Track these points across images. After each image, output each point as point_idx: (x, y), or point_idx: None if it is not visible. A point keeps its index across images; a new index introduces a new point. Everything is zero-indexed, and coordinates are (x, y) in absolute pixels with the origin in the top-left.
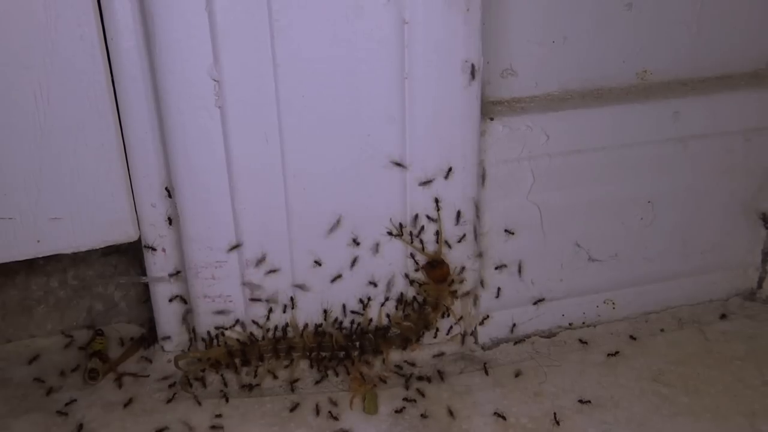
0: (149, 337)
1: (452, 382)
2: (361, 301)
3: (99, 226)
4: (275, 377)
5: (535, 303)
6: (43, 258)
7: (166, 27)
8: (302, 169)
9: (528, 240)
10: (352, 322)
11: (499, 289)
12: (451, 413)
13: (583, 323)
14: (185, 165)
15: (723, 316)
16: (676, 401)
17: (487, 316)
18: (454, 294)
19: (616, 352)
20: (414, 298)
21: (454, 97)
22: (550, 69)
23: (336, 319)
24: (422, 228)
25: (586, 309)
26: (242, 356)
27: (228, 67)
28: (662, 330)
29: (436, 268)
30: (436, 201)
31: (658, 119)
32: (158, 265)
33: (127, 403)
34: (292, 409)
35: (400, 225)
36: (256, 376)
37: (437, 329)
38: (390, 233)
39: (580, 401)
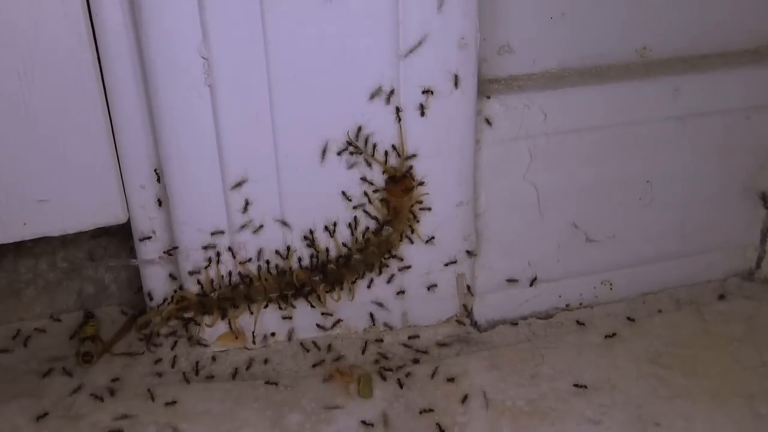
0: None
1: (449, 364)
2: (310, 234)
3: (87, 208)
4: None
5: (531, 284)
6: (32, 240)
7: (154, 3)
8: (293, 150)
9: (525, 220)
10: (311, 256)
11: (495, 269)
12: (447, 396)
13: (581, 304)
14: (174, 146)
15: (721, 297)
16: (674, 383)
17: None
18: (414, 213)
19: (614, 334)
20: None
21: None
22: (549, 46)
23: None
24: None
25: (584, 290)
26: (201, 308)
27: (217, 44)
28: (660, 311)
29: (398, 182)
30: (398, 110)
31: (658, 97)
32: (148, 246)
33: (118, 387)
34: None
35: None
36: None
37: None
38: (350, 144)
39: (577, 385)
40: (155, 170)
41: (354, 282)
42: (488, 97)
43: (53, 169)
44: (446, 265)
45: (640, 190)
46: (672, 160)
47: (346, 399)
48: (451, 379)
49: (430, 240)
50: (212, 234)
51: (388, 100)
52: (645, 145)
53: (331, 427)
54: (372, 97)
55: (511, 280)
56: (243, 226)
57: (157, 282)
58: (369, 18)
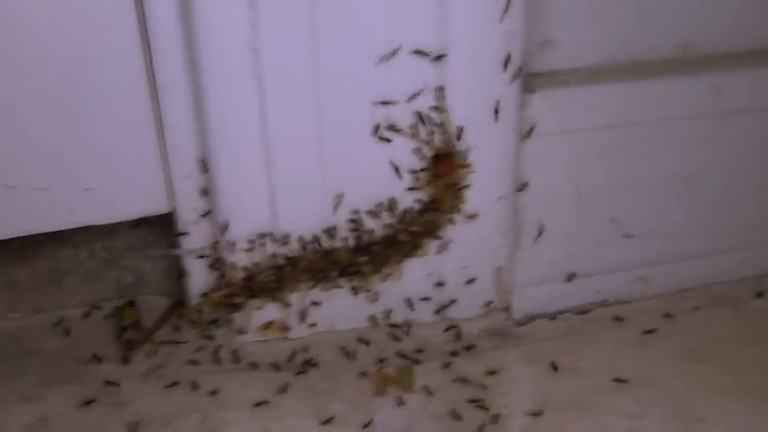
0: (182, 304)
1: (487, 358)
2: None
3: (132, 198)
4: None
5: (569, 279)
6: (72, 229)
7: None
8: (339, 137)
9: (564, 215)
10: (357, 237)
11: (533, 264)
12: (486, 389)
13: (617, 300)
14: (221, 137)
15: (759, 294)
16: (714, 380)
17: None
18: (459, 191)
19: (652, 330)
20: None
21: (495, 71)
22: (591, 41)
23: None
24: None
25: (621, 286)
26: (248, 292)
27: (266, 35)
28: (697, 307)
29: (445, 161)
30: (441, 89)
31: (699, 93)
32: (192, 237)
33: (160, 375)
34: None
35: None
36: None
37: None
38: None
39: (617, 379)
40: (202, 160)
41: (400, 262)
42: (532, 92)
43: (100, 159)
44: (486, 258)
45: (679, 186)
46: (711, 156)
47: (387, 389)
48: (492, 372)
49: (472, 218)
50: (257, 221)
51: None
52: (685, 141)
53: (373, 416)
54: (417, 91)
55: (549, 275)
56: (288, 212)
57: (199, 272)
58: (417, 12)
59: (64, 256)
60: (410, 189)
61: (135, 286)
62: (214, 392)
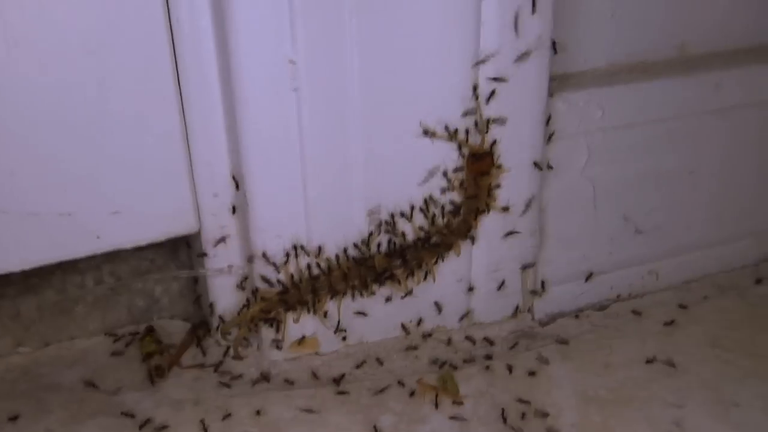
0: (201, 327)
1: (521, 359)
2: (391, 218)
3: (160, 219)
4: (325, 316)
5: (587, 278)
6: None
7: (242, 7)
8: (378, 147)
9: (581, 215)
10: (389, 241)
11: (554, 264)
12: (531, 389)
13: (630, 294)
14: (256, 151)
15: (758, 281)
16: (740, 365)
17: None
18: (492, 191)
19: (672, 321)
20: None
21: (529, 76)
22: (598, 44)
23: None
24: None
25: (633, 281)
26: (284, 305)
27: (306, 47)
28: (705, 297)
29: (479, 160)
30: (475, 88)
31: (702, 91)
32: (218, 256)
33: (196, 400)
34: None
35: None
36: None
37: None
38: (426, 133)
39: (652, 371)
40: (233, 176)
41: (435, 263)
42: (551, 95)
43: (127, 180)
44: (513, 261)
45: (684, 181)
46: (713, 151)
47: (432, 398)
48: (530, 373)
49: (503, 216)
50: (292, 234)
51: (473, 91)
52: (689, 137)
53: (425, 426)
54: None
55: (568, 274)
56: (323, 223)
57: (223, 292)
58: (454, 20)
59: (71, 283)
60: (444, 190)
61: (148, 311)
62: (257, 413)
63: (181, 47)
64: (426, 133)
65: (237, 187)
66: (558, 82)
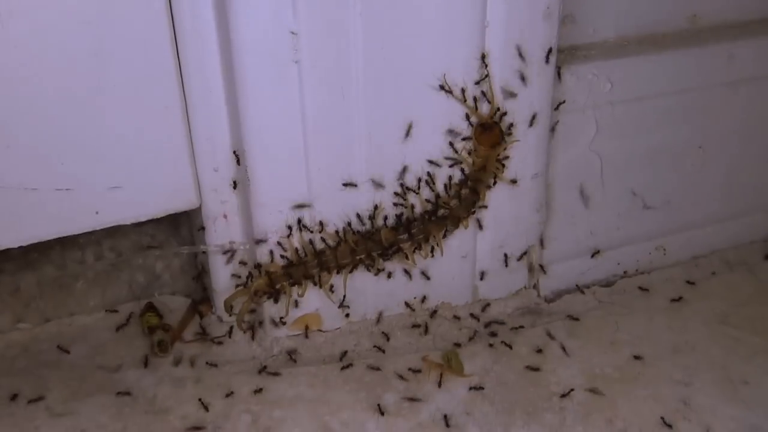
0: (203, 304)
1: (527, 336)
2: (400, 188)
3: (160, 194)
4: (331, 290)
5: (593, 255)
6: None
7: None
8: (380, 118)
9: (588, 190)
10: (397, 215)
11: (560, 240)
12: (535, 367)
13: (637, 270)
14: (257, 125)
15: (767, 257)
16: (749, 342)
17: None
18: (502, 163)
19: (680, 298)
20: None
21: (536, 38)
22: (607, 16)
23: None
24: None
25: (640, 256)
26: (289, 279)
27: (308, 18)
28: (714, 273)
29: (488, 130)
30: (483, 57)
31: (713, 63)
32: (219, 232)
33: (198, 377)
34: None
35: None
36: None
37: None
38: (443, 87)
39: (659, 349)
40: (234, 152)
41: (444, 236)
42: (558, 67)
43: (127, 154)
44: (520, 236)
45: (694, 155)
46: (723, 124)
47: (437, 375)
48: (536, 350)
49: (512, 188)
50: (295, 208)
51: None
52: (700, 110)
53: (429, 404)
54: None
55: (574, 250)
56: (327, 196)
57: (224, 268)
58: None
59: (71, 259)
60: (453, 161)
61: (148, 287)
62: (258, 391)
63: (179, 18)
64: (441, 88)
65: (238, 162)
66: (566, 55)
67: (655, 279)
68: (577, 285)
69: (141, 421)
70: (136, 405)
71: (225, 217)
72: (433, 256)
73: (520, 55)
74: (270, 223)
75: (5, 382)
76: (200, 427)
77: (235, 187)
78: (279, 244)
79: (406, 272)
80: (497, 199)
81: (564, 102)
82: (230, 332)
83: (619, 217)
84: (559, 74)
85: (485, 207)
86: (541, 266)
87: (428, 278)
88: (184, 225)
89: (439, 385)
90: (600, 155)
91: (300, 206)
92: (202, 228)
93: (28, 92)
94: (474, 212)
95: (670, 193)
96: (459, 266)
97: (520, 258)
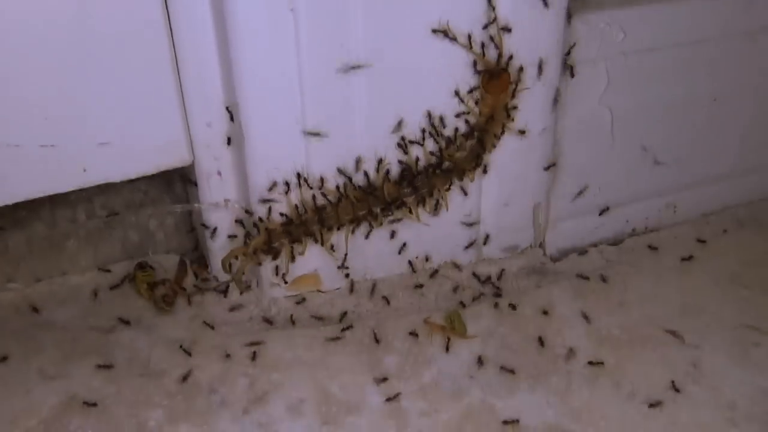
0: (197, 262)
1: (532, 296)
2: (402, 141)
3: (150, 151)
4: (332, 249)
5: (601, 212)
6: None
7: None
8: (381, 75)
9: (597, 145)
10: (402, 169)
11: (567, 197)
12: (541, 328)
13: (646, 228)
14: (251, 78)
15: None
16: (760, 303)
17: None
18: (509, 112)
19: (690, 257)
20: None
21: None
22: None
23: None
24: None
25: (649, 214)
26: (289, 237)
27: None
28: (725, 231)
29: (496, 77)
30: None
31: (731, 11)
32: (213, 189)
33: (194, 339)
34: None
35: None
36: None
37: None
38: (445, 33)
39: (667, 310)
40: (227, 108)
41: (447, 190)
42: (569, 16)
43: (114, 108)
44: (525, 193)
45: (707, 109)
46: (739, 77)
47: (439, 337)
48: (542, 311)
49: (519, 138)
50: (293, 162)
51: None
52: (715, 62)
53: (431, 367)
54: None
55: (581, 207)
56: (326, 149)
57: (220, 226)
58: None
59: (61, 217)
60: (458, 112)
61: (142, 245)
62: (255, 354)
63: None
64: (439, 33)
65: (231, 118)
66: (577, 2)
67: (664, 237)
68: (584, 244)
69: (135, 384)
70: (131, 368)
71: (219, 174)
72: (437, 211)
73: None
74: (266, 180)
75: None
76: (193, 391)
77: (229, 144)
78: (274, 200)
79: (407, 228)
80: (503, 155)
81: (574, 45)
82: (225, 292)
83: (628, 173)
84: (569, 23)
85: (486, 164)
86: (547, 224)
87: (431, 237)
88: (177, 182)
89: (447, 349)
90: (610, 109)
91: (296, 163)
92: (194, 183)
93: (7, 44)
94: (480, 165)
95: (682, 149)
96: (462, 224)
97: (525, 216)
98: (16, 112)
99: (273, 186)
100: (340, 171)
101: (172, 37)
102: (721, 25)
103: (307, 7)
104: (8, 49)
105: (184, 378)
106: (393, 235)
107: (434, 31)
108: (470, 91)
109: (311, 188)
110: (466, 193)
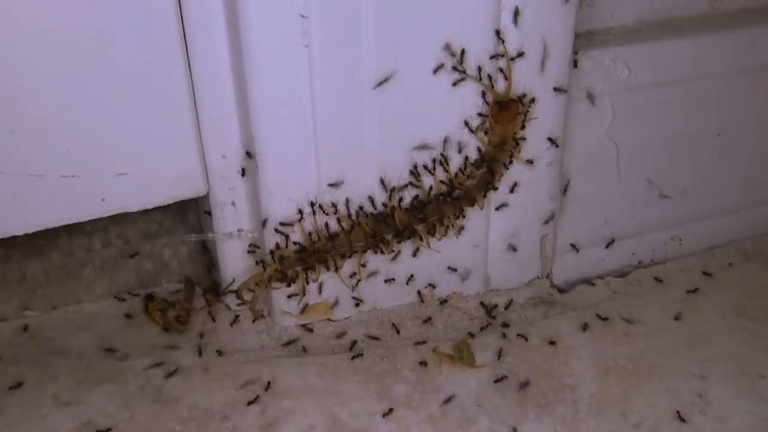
0: (211, 292)
1: (539, 327)
2: (414, 169)
3: (167, 181)
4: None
5: (608, 244)
6: None
7: None
8: (392, 103)
9: (603, 178)
10: (413, 197)
11: (574, 229)
12: (548, 359)
13: (652, 261)
14: (266, 111)
15: None
16: (765, 334)
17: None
18: (518, 142)
19: (695, 289)
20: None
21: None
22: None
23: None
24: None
25: (655, 246)
26: (303, 264)
27: (318, 0)
28: (730, 264)
29: (505, 107)
30: (498, 32)
31: (734, 49)
32: (227, 219)
33: (205, 366)
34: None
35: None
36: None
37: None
38: (456, 68)
39: (673, 341)
40: (247, 152)
41: (457, 217)
42: (575, 53)
43: (133, 140)
44: (532, 224)
45: (711, 143)
46: (742, 112)
47: (448, 367)
48: (549, 342)
49: (529, 162)
50: (306, 192)
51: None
52: (719, 98)
53: (440, 395)
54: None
55: (588, 239)
56: (338, 178)
57: (233, 256)
58: None
59: (78, 246)
60: (466, 143)
61: (156, 274)
62: (267, 381)
63: (186, 4)
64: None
65: (248, 155)
66: (583, 39)
67: (670, 270)
68: (590, 275)
69: (149, 410)
70: (144, 394)
71: (233, 204)
72: (446, 235)
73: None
74: (280, 209)
75: (12, 370)
76: (205, 418)
77: (243, 174)
78: (285, 225)
79: (414, 254)
80: (510, 183)
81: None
82: (234, 321)
83: (634, 206)
84: (575, 60)
85: (495, 188)
86: (554, 256)
87: (439, 267)
88: (191, 212)
89: (444, 372)
90: (616, 142)
91: (309, 194)
92: (208, 212)
93: (31, 77)
94: (489, 193)
95: (687, 182)
96: (470, 254)
97: (532, 248)
98: (40, 144)
99: (287, 215)
100: (352, 200)
101: (190, 72)
102: (724, 63)
103: (320, 43)
104: (34, 83)
105: (197, 405)
106: (402, 264)
107: (454, 67)
108: (479, 118)
109: (326, 214)
110: (474, 225)
